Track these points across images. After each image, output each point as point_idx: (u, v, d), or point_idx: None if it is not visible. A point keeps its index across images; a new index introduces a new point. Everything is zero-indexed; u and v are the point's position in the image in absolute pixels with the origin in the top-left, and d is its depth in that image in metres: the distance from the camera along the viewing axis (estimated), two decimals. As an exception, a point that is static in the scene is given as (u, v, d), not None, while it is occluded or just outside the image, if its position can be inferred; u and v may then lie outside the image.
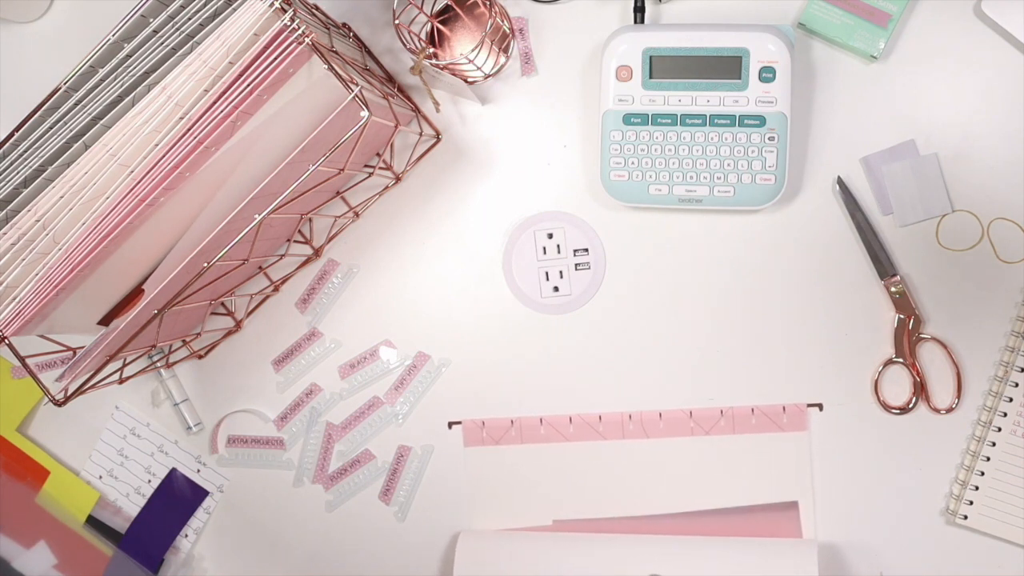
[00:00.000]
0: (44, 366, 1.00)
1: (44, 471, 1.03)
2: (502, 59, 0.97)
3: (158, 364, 0.98)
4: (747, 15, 0.95)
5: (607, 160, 0.93)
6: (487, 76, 0.96)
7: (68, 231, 0.81)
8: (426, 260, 0.99)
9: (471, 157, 0.99)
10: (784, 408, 0.95)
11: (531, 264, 0.98)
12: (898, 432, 0.94)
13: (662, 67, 0.91)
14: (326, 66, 0.77)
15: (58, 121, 0.81)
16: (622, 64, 0.92)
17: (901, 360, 0.94)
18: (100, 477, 1.03)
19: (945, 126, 0.93)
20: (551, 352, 0.98)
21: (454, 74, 0.94)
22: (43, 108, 0.81)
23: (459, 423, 0.99)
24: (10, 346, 0.82)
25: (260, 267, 0.99)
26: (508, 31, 0.96)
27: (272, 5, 0.78)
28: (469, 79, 0.96)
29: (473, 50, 0.94)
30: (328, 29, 0.88)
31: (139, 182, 0.80)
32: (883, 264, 0.93)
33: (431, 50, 0.96)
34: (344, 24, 0.98)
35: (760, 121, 0.90)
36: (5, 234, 0.81)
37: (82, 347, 0.88)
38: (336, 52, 0.83)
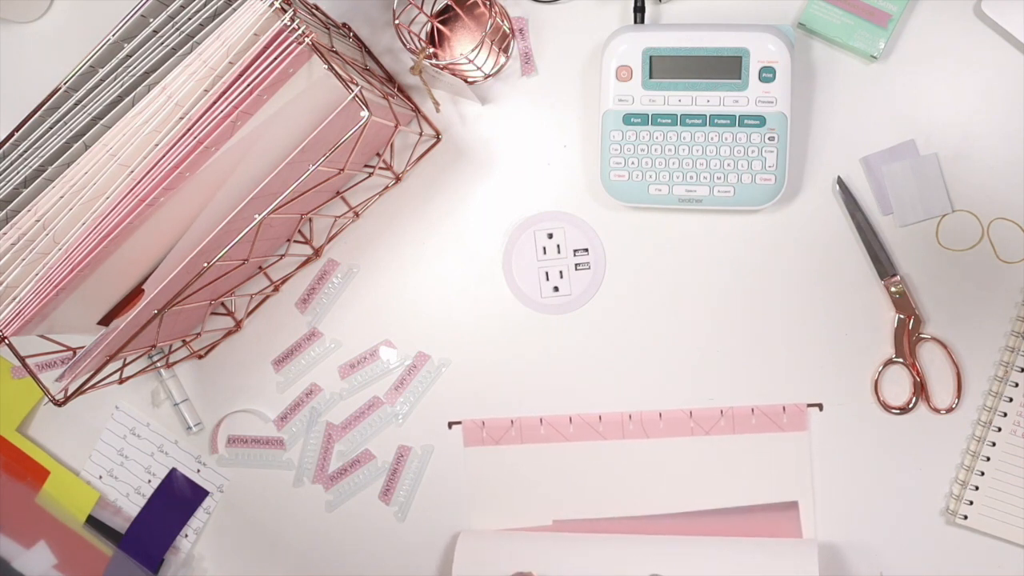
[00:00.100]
0: (44, 366, 1.00)
1: (44, 471, 1.03)
2: (502, 59, 0.97)
3: (158, 364, 0.98)
4: (747, 15, 0.95)
5: (607, 160, 0.93)
6: (487, 76, 0.96)
7: (68, 231, 0.81)
8: (426, 260, 0.99)
9: (471, 157, 0.99)
10: (784, 408, 0.95)
11: (531, 264, 0.98)
12: (898, 432, 0.94)
13: (662, 67, 0.91)
14: (326, 66, 0.77)
15: (58, 121, 0.81)
16: (622, 64, 0.92)
17: (901, 360, 0.94)
18: (100, 477, 1.03)
19: (945, 126, 0.93)
20: (551, 352, 0.98)
21: (454, 74, 0.94)
22: (43, 108, 0.81)
23: (459, 423, 0.99)
24: (10, 346, 0.82)
25: (260, 267, 0.99)
26: (508, 31, 0.96)
27: (272, 5, 0.78)
28: (469, 79, 0.96)
29: (473, 50, 0.94)
30: (328, 29, 0.88)
31: (139, 182, 0.80)
32: (883, 264, 0.93)
33: (431, 50, 0.96)
34: (344, 24, 0.98)
35: (760, 121, 0.90)
36: (5, 234, 0.81)
37: (82, 347, 0.88)
38: (336, 52, 0.83)
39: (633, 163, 0.93)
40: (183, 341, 1.00)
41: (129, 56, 0.81)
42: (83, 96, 0.81)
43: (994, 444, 0.92)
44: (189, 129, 0.80)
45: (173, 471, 1.02)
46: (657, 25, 0.94)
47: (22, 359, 0.83)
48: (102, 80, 0.81)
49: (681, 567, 0.91)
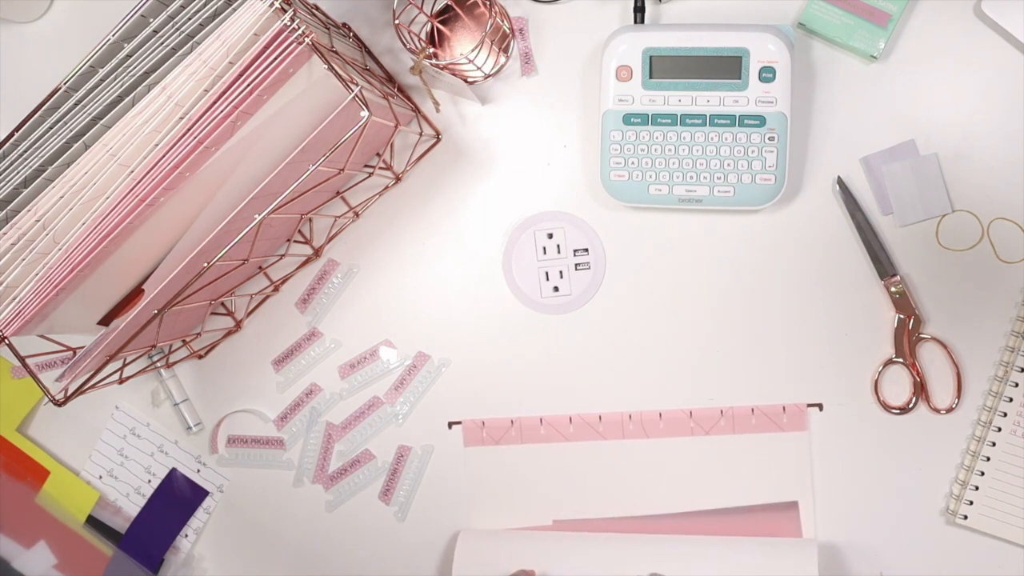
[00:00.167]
0: (44, 366, 1.00)
1: (44, 471, 1.03)
2: (502, 59, 0.97)
3: (158, 364, 0.98)
4: (747, 15, 0.95)
5: (607, 160, 0.93)
6: (487, 76, 0.96)
7: (68, 231, 0.81)
8: (426, 260, 0.99)
9: (471, 157, 0.99)
10: (784, 408, 0.95)
11: (531, 264, 0.98)
12: (898, 432, 0.94)
13: (662, 67, 0.91)
14: (326, 66, 0.77)
15: (58, 121, 0.81)
16: (622, 64, 0.92)
17: (901, 360, 0.94)
18: (100, 477, 1.03)
19: (945, 126, 0.93)
20: (551, 352, 0.98)
21: (454, 74, 0.94)
22: (43, 108, 0.81)
23: (459, 423, 0.99)
24: (10, 346, 0.82)
25: (260, 267, 0.99)
26: (508, 31, 0.96)
27: (272, 5, 0.78)
28: (469, 79, 0.96)
29: (473, 50, 0.94)
30: (328, 29, 0.88)
31: (139, 182, 0.80)
32: (883, 264, 0.93)
33: (431, 50, 0.96)
34: (344, 24, 0.98)
35: (760, 121, 0.90)
36: (5, 234, 0.81)
37: (82, 347, 0.88)
38: (336, 52, 0.83)
39: (633, 163, 0.93)
40: (183, 341, 1.00)
41: (129, 56, 0.81)
42: (83, 96, 0.81)
43: (994, 444, 0.92)
44: (189, 129, 0.80)
45: (173, 471, 1.02)
46: (657, 25, 0.94)
47: (22, 359, 0.83)
48: (102, 80, 0.81)
49: (681, 567, 0.91)
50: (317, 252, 1.00)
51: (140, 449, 1.03)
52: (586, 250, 0.97)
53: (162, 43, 0.80)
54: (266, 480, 1.02)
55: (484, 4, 0.96)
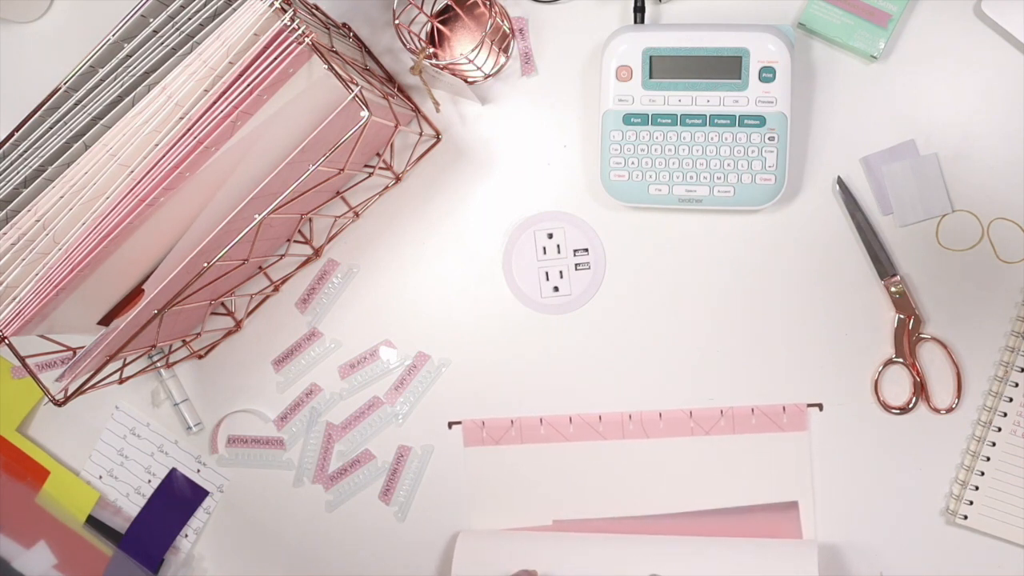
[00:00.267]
0: (44, 366, 1.00)
1: (44, 471, 1.03)
2: (502, 59, 0.97)
3: (158, 364, 0.98)
4: (747, 15, 0.95)
5: (607, 160, 0.93)
6: (487, 76, 0.96)
7: (68, 231, 0.81)
8: (426, 260, 0.99)
9: (471, 157, 0.99)
10: (784, 408, 0.95)
11: (531, 264, 0.98)
12: (898, 432, 0.94)
13: (662, 67, 0.91)
14: (326, 66, 0.77)
15: (58, 121, 0.81)
16: (622, 64, 0.92)
17: (901, 360, 0.94)
18: (100, 477, 1.03)
19: (945, 126, 0.93)
20: (551, 352, 0.98)
21: (454, 74, 0.94)
22: (43, 108, 0.81)
23: (459, 423, 0.99)
24: (10, 346, 0.82)
25: (260, 267, 0.99)
26: (508, 31, 0.96)
27: (272, 5, 0.78)
28: (469, 79, 0.96)
29: (473, 50, 0.94)
30: (328, 29, 0.88)
31: (139, 182, 0.80)
32: (883, 264, 0.93)
33: (431, 50, 0.96)
34: (344, 24, 0.98)
35: (760, 121, 0.90)
36: (5, 234, 0.81)
37: (82, 347, 0.88)
38: (336, 52, 0.83)
39: (633, 163, 0.93)
40: (183, 341, 1.00)
41: (129, 56, 0.81)
42: (83, 96, 0.81)
43: (994, 444, 0.92)
44: (189, 129, 0.80)
45: (173, 471, 1.02)
46: (657, 25, 0.94)
47: (22, 359, 0.83)
48: (102, 80, 0.81)
49: (681, 567, 0.91)
50: (317, 252, 1.00)
51: (140, 449, 1.03)
52: (586, 250, 0.97)
53: (162, 43, 0.80)
54: (266, 480, 1.02)
55: (484, 4, 0.96)
